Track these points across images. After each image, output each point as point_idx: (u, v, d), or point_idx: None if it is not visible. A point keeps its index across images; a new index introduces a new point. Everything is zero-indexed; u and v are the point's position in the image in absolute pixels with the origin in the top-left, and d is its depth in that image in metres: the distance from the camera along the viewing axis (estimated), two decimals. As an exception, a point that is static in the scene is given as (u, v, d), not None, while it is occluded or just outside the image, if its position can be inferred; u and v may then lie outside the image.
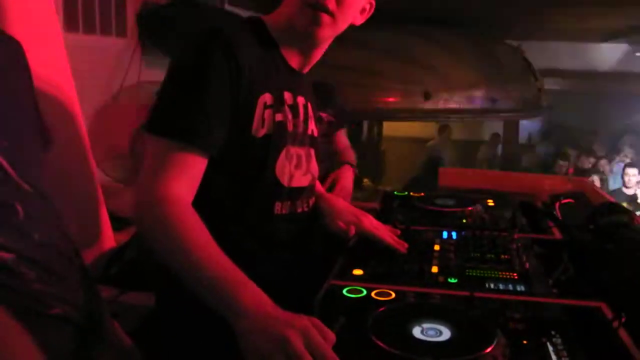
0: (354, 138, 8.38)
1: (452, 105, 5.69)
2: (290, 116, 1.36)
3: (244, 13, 4.45)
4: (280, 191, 1.36)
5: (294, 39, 1.36)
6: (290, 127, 1.36)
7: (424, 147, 8.38)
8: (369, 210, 2.39)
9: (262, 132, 1.28)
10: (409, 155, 7.81)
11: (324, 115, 2.37)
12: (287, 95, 1.36)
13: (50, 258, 1.05)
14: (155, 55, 3.76)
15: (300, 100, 1.42)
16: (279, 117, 1.32)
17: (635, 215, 1.66)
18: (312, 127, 1.48)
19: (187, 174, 1.18)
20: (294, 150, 1.38)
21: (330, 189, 2.20)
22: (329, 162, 2.38)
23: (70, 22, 3.21)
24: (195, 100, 1.18)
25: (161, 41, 3.70)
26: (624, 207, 1.71)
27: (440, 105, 5.59)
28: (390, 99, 5.36)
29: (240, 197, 1.31)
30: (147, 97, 2.59)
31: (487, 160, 8.48)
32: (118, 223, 2.23)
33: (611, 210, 1.68)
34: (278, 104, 1.32)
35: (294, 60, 1.40)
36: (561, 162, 6.37)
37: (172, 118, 1.19)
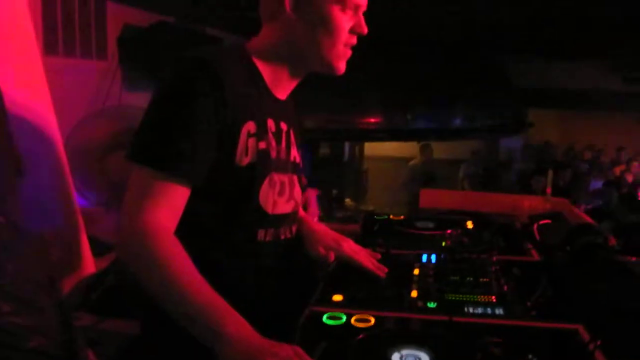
0: (335, 158, 8.45)
1: (432, 124, 5.75)
2: (273, 143, 1.36)
3: (225, 36, 4.48)
4: (263, 219, 1.35)
5: (284, 71, 1.38)
6: (273, 154, 1.36)
7: (405, 166, 8.43)
8: (351, 234, 2.41)
9: (245, 161, 1.28)
10: (391, 175, 7.84)
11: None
12: (271, 123, 1.37)
13: (26, 290, 1.04)
14: (136, 78, 3.77)
15: (283, 126, 1.43)
16: (262, 145, 1.32)
17: (610, 236, 1.69)
18: (295, 154, 1.49)
19: (170, 203, 1.18)
20: (278, 177, 1.38)
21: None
22: None
23: (49, 45, 3.20)
24: (179, 129, 1.18)
25: (142, 64, 3.71)
26: (599, 228, 1.73)
27: (421, 125, 5.65)
28: (371, 120, 5.40)
29: (224, 224, 1.31)
30: (125, 120, 2.59)
31: (468, 178, 8.54)
32: (98, 248, 2.22)
33: (586, 231, 1.70)
34: (262, 132, 1.32)
35: (276, 88, 1.40)
36: (537, 177, 6.44)
37: (155, 147, 1.18)
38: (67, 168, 2.03)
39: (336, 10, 1.31)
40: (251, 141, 1.29)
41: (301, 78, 1.44)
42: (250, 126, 1.29)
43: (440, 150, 8.74)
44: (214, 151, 1.23)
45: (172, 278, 1.09)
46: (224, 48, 1.39)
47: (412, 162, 8.42)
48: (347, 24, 1.33)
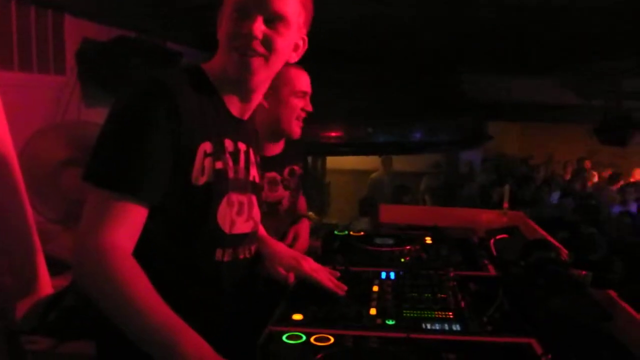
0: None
1: (394, 138, 5.82)
2: (230, 163, 1.37)
3: (186, 50, 4.46)
4: (221, 238, 1.36)
5: (231, 86, 1.38)
6: (231, 174, 1.37)
7: (367, 178, 8.50)
8: (314, 250, 2.42)
9: (202, 180, 1.28)
10: (353, 187, 7.90)
11: (296, 168, 2.38)
12: (228, 143, 1.37)
13: None
14: (96, 93, 3.72)
15: (242, 146, 1.43)
16: (219, 164, 1.32)
17: (562, 250, 1.74)
18: (254, 174, 1.50)
19: (127, 224, 1.18)
20: (236, 197, 1.39)
21: (292, 244, 2.20)
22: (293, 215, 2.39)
23: (4, 60, 3.14)
24: (135, 151, 1.18)
25: (102, 80, 3.67)
26: (552, 243, 1.79)
27: (382, 138, 5.71)
28: (333, 134, 5.44)
29: (182, 244, 1.31)
30: (81, 135, 2.56)
31: (429, 190, 8.65)
32: (55, 267, 2.18)
33: (539, 246, 1.75)
34: (218, 152, 1.33)
35: (234, 107, 1.41)
36: (498, 189, 6.58)
37: (111, 169, 1.18)
38: (21, 184, 1.99)
39: (231, 17, 1.31)
40: (207, 161, 1.29)
41: (252, 96, 1.43)
42: (206, 146, 1.29)
43: (402, 162, 8.85)
44: (170, 172, 1.23)
45: (128, 297, 1.09)
46: (182, 69, 1.38)
47: (373, 175, 8.50)
48: (236, 27, 1.31)
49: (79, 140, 2.52)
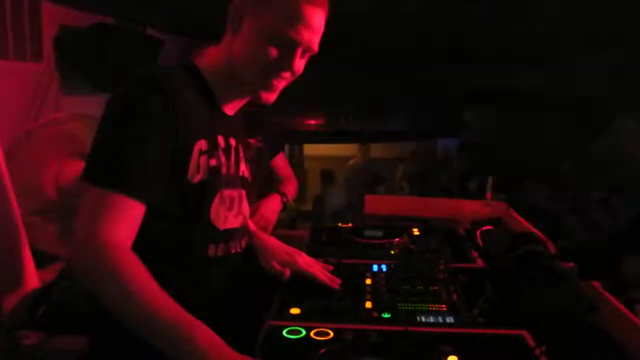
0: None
1: (372, 126, 5.85)
2: (223, 159, 1.38)
3: (166, 37, 4.40)
4: (214, 234, 1.37)
5: (232, 89, 1.39)
6: (224, 170, 1.38)
7: (345, 165, 8.52)
8: (295, 239, 2.44)
9: (197, 178, 1.29)
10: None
11: (252, 141, 2.38)
12: (220, 139, 1.38)
13: None
14: (74, 81, 3.66)
15: (232, 142, 1.44)
16: (213, 162, 1.33)
17: (549, 244, 1.78)
18: (243, 169, 1.50)
19: (126, 220, 1.17)
20: (228, 192, 1.40)
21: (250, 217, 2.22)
22: (260, 189, 2.39)
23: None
24: (134, 149, 1.18)
25: (80, 67, 3.60)
26: (539, 237, 1.83)
27: (361, 126, 5.74)
28: (312, 122, 5.45)
29: (175, 241, 1.32)
30: (69, 130, 2.53)
31: (406, 177, 8.71)
32: (40, 260, 2.15)
33: (528, 239, 1.79)
34: (212, 149, 1.34)
35: (227, 106, 1.42)
36: (474, 178, 6.66)
37: (110, 168, 1.18)
38: (6, 175, 1.96)
39: (265, 42, 1.28)
40: (203, 159, 1.30)
41: (249, 99, 1.44)
42: (201, 144, 1.30)
43: (379, 150, 8.89)
44: (168, 170, 1.23)
45: (136, 293, 1.08)
46: (175, 66, 1.37)
47: (351, 162, 8.53)
48: (272, 56, 1.29)
49: (70, 136, 2.49)
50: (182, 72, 1.34)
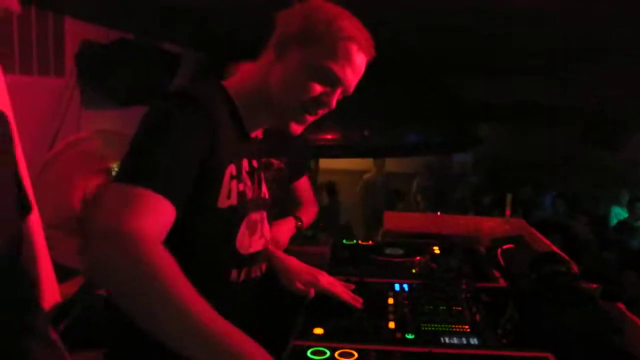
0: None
1: (388, 141, 5.85)
2: (249, 183, 1.37)
3: (183, 51, 4.45)
4: (238, 259, 1.36)
5: (260, 113, 1.38)
6: (249, 194, 1.37)
7: (359, 179, 8.53)
8: (314, 256, 2.43)
9: (227, 203, 1.28)
10: (346, 188, 7.92)
11: (275, 162, 2.38)
12: (245, 163, 1.37)
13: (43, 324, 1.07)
14: (95, 95, 3.71)
15: (255, 164, 1.43)
16: (241, 187, 1.33)
17: (572, 264, 1.77)
18: (265, 190, 1.50)
19: (156, 215, 1.06)
20: (253, 216, 1.39)
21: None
22: (277, 211, 2.38)
23: (5, 63, 3.12)
24: (165, 153, 1.13)
25: (101, 82, 3.65)
26: (562, 257, 1.82)
27: (376, 141, 5.74)
28: (328, 136, 5.46)
29: (199, 264, 1.27)
30: (92, 148, 2.57)
31: (421, 191, 8.70)
32: (59, 273, 2.17)
33: (550, 259, 1.78)
34: (239, 173, 1.33)
35: (251, 128, 1.41)
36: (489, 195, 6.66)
37: (138, 168, 1.11)
38: (30, 189, 1.98)
39: (309, 75, 1.29)
40: (233, 183, 1.29)
41: (276, 123, 1.42)
42: (232, 169, 1.29)
43: (394, 164, 8.88)
44: (192, 179, 1.18)
45: (168, 290, 0.95)
46: (208, 86, 1.36)
47: (366, 176, 8.53)
48: (315, 91, 1.31)
49: (94, 153, 2.53)
50: (216, 92, 1.33)
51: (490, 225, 2.62)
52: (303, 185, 2.54)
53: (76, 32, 3.62)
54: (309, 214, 2.47)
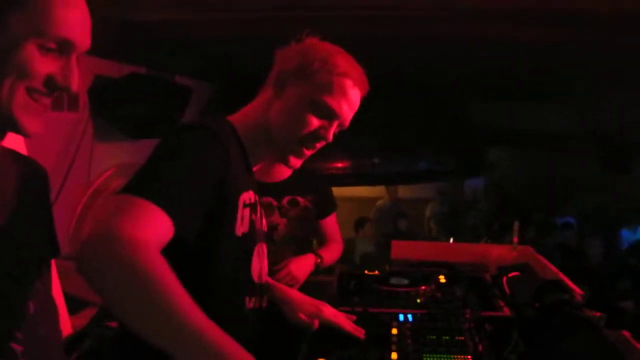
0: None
1: (399, 168, 5.87)
2: (258, 215, 1.42)
3: (193, 84, 4.53)
4: (253, 287, 1.40)
5: (260, 147, 1.42)
6: (258, 224, 1.41)
7: (372, 206, 8.52)
8: (324, 285, 2.45)
9: (241, 231, 1.31)
10: (359, 215, 7.89)
11: (300, 199, 2.42)
12: (251, 194, 1.40)
13: (51, 353, 1.10)
14: (108, 129, 3.79)
15: (257, 198, 1.46)
16: (252, 216, 1.37)
17: (575, 292, 1.77)
18: (264, 222, 1.53)
19: (153, 225, 1.03)
20: (261, 246, 1.43)
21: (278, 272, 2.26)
22: (296, 246, 2.42)
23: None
24: (173, 175, 1.14)
25: (113, 115, 3.73)
26: (565, 285, 1.82)
27: (387, 168, 5.76)
28: (339, 165, 5.49)
29: (212, 292, 1.29)
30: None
31: (434, 217, 8.67)
32: (72, 305, 2.20)
33: (553, 287, 1.79)
34: (250, 203, 1.37)
35: (254, 163, 1.44)
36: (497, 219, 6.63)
37: (142, 182, 1.11)
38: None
39: (307, 110, 1.35)
40: (246, 211, 1.33)
41: (274, 158, 1.48)
42: (244, 197, 1.33)
43: (406, 190, 8.88)
44: (203, 209, 1.18)
45: (165, 298, 0.92)
46: (217, 121, 1.37)
47: (379, 202, 8.53)
48: (313, 125, 1.36)
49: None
50: (225, 126, 1.36)
51: (498, 253, 2.63)
52: (329, 222, 2.59)
53: (89, 66, 3.71)
54: (332, 251, 2.53)
